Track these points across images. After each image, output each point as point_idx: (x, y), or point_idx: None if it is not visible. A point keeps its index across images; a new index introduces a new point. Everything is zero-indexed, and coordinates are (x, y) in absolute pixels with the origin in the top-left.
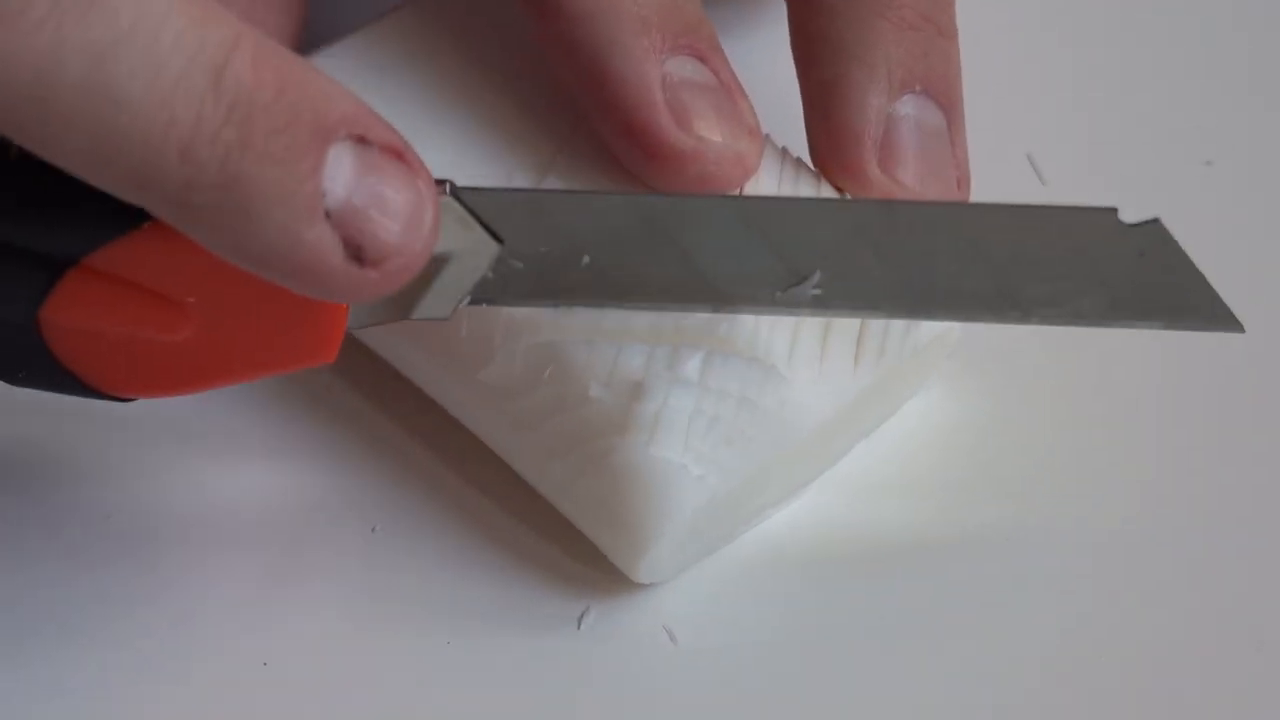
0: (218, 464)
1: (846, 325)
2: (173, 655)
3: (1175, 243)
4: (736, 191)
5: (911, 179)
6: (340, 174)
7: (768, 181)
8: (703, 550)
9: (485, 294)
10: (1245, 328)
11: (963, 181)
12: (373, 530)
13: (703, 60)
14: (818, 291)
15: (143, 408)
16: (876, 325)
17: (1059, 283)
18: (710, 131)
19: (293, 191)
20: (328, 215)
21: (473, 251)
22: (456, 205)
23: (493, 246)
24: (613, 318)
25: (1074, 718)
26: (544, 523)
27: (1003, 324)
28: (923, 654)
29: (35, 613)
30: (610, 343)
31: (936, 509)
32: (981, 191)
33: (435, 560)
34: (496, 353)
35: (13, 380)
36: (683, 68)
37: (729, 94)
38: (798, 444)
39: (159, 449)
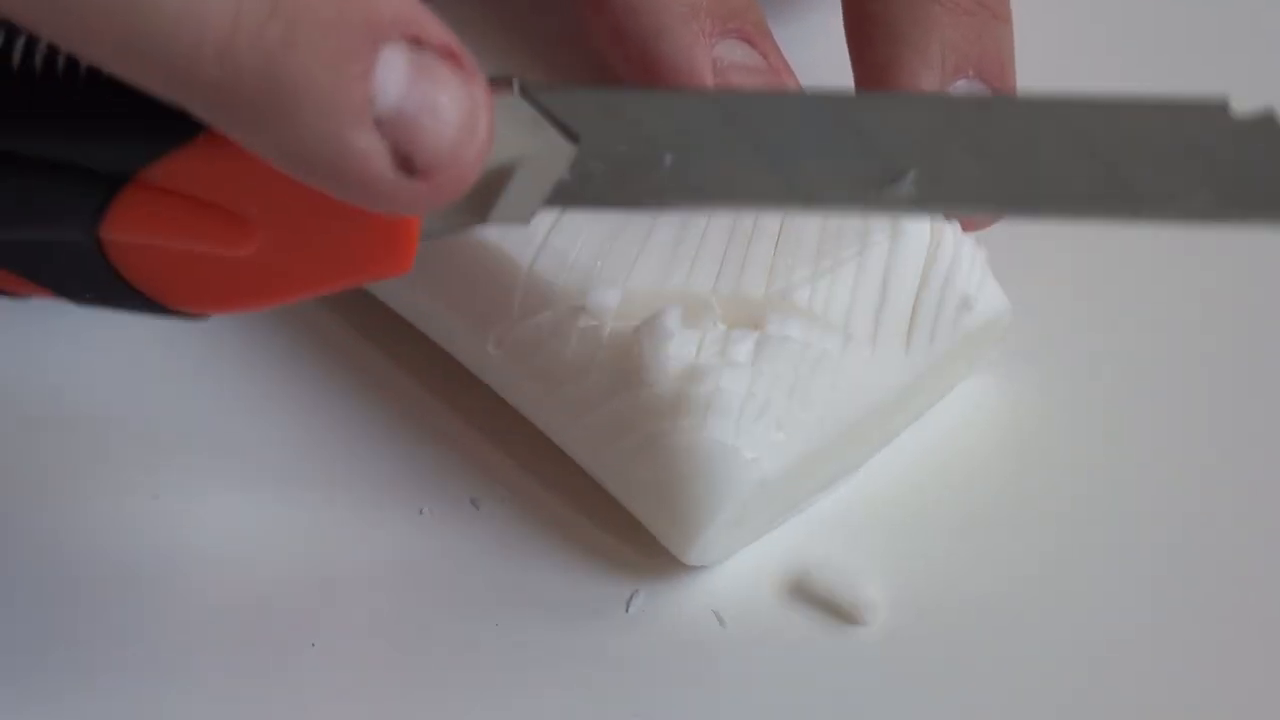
0: (263, 444)
1: (898, 309)
2: (218, 635)
3: None
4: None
5: None
6: (392, 78)
7: None
8: (753, 533)
9: (564, 198)
10: None
11: None
12: (420, 512)
13: (751, 44)
14: (913, 190)
15: (188, 386)
16: (928, 310)
17: (1170, 176)
18: None
19: (341, 97)
20: (377, 122)
21: (547, 153)
22: (526, 105)
23: (568, 147)
24: (669, 297)
25: (1139, 693)
26: (593, 506)
27: (1110, 222)
28: (973, 635)
29: (87, 589)
30: (663, 326)
31: (987, 491)
32: None
33: (482, 541)
34: (549, 335)
35: (80, 300)
36: (732, 51)
37: (778, 77)
38: (849, 427)
39: (201, 426)
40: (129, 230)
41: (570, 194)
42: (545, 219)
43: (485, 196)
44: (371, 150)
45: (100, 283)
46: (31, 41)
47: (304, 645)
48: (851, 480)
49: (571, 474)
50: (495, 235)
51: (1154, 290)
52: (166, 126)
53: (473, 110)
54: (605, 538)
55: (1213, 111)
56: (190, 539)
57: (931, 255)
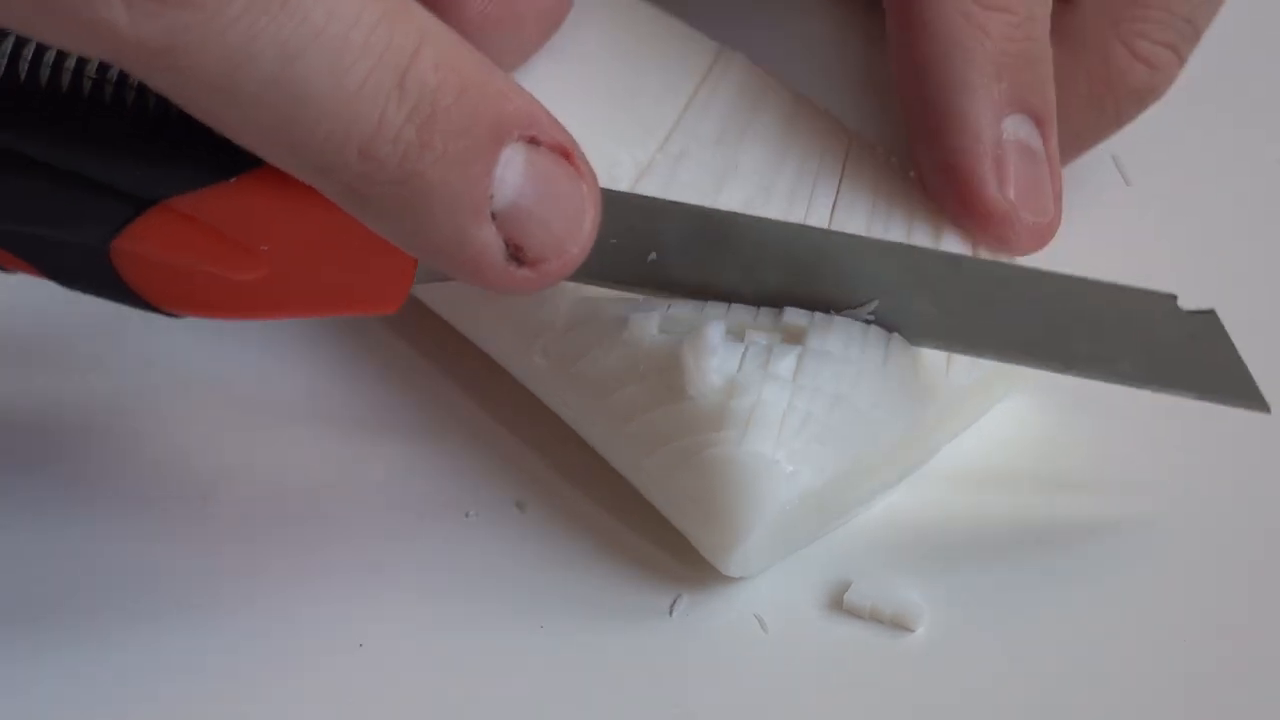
0: (315, 448)
1: None
2: (269, 637)
3: (1225, 333)
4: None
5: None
6: (510, 176)
7: (863, 185)
8: (792, 546)
9: None
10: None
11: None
12: (466, 516)
13: (1039, 125)
14: (871, 317)
15: (244, 394)
16: None
17: (1106, 346)
18: (1024, 201)
19: (464, 192)
20: (494, 216)
21: None
22: None
23: None
24: (712, 312)
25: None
26: (636, 514)
27: (1045, 370)
28: (1015, 644)
29: (137, 593)
30: (706, 339)
31: (1026, 506)
32: (1068, 192)
33: (527, 544)
34: (593, 346)
35: (69, 285)
36: (1019, 129)
37: (1051, 167)
38: (889, 443)
39: (258, 431)
40: (144, 245)
41: None
42: None
43: None
44: (487, 242)
45: (97, 278)
46: (82, 63)
47: (352, 646)
48: (891, 494)
49: (615, 482)
50: None
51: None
52: (205, 163)
53: (581, 207)
54: (648, 546)
55: (1161, 302)
56: (240, 544)
57: None
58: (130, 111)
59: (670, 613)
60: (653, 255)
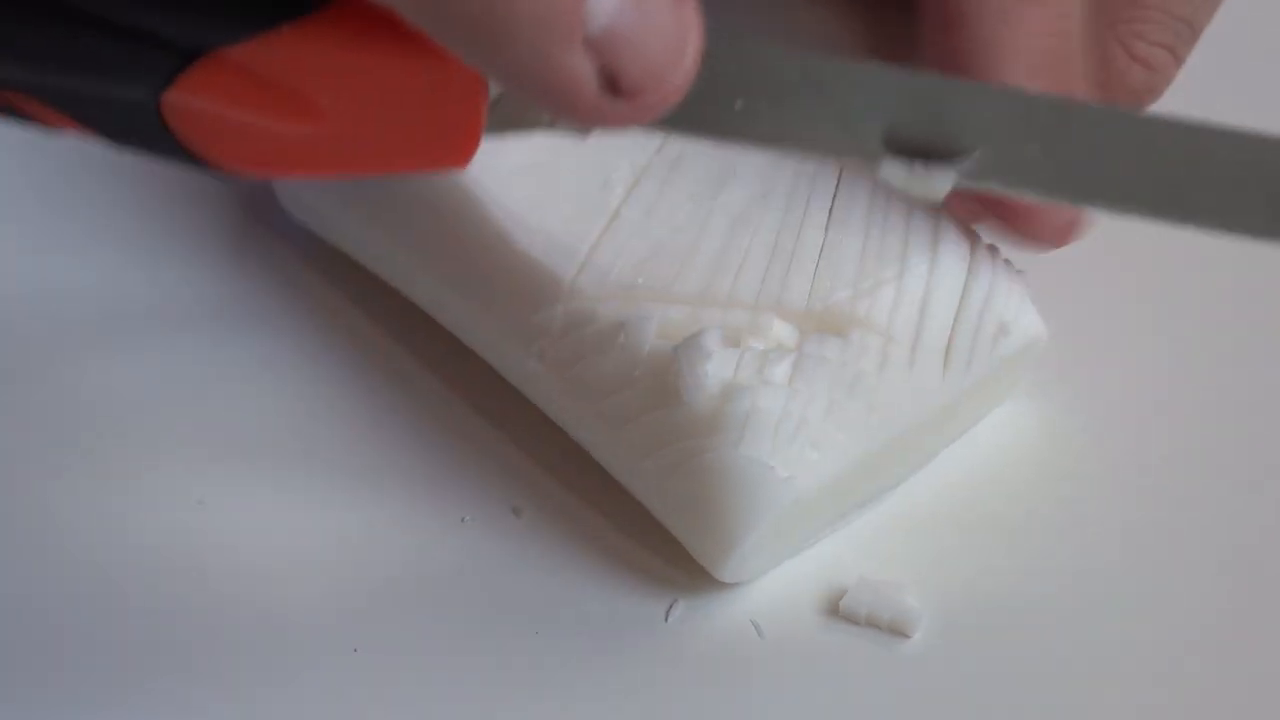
0: (311, 451)
1: (936, 333)
2: (262, 640)
3: None
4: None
5: None
6: (605, 0)
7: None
8: (788, 551)
9: None
10: None
11: None
12: (463, 520)
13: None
14: (974, 166)
15: (240, 397)
16: (966, 333)
17: (1224, 196)
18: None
19: (554, 16)
20: (587, 42)
21: None
22: None
23: None
24: (707, 318)
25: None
26: (631, 519)
27: (1159, 221)
28: (1012, 649)
29: (125, 599)
30: (702, 345)
31: (1022, 512)
32: None
33: (523, 549)
34: (590, 351)
35: (121, 144)
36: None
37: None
38: (884, 449)
39: (252, 432)
40: (195, 98)
41: None
42: (587, 237)
43: None
44: (580, 70)
45: (148, 136)
46: None
47: (347, 650)
48: (888, 499)
49: (611, 487)
50: (540, 251)
51: (1189, 316)
52: (256, 10)
53: (681, 34)
54: (644, 550)
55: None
56: (235, 547)
57: (970, 280)
58: None
59: (666, 618)
60: (740, 103)
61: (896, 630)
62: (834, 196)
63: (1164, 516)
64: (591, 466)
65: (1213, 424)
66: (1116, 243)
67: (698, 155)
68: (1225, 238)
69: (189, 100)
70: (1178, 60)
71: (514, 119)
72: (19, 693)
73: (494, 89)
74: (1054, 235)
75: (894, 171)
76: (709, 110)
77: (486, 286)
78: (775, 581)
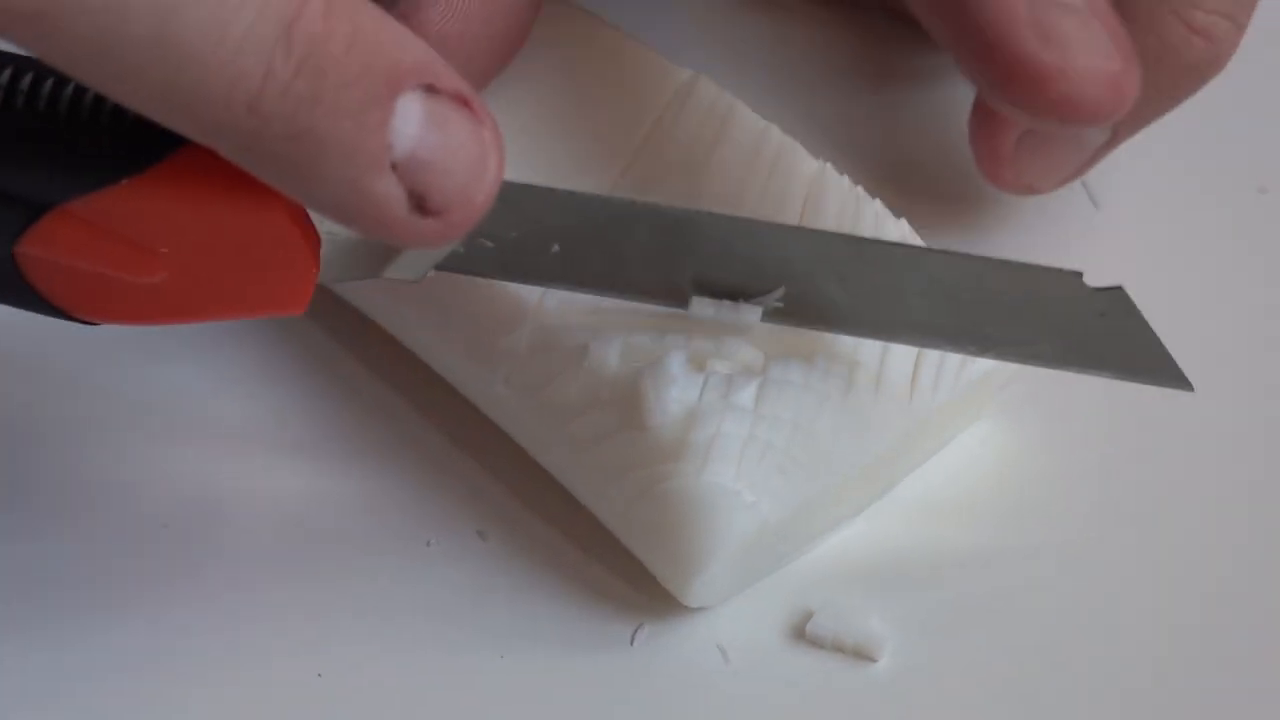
0: (275, 475)
1: (903, 358)
2: (226, 668)
3: (1136, 308)
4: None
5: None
6: (408, 126)
7: (826, 211)
8: (754, 575)
9: (454, 265)
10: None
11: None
12: (428, 544)
13: None
14: (779, 305)
15: (206, 420)
16: (931, 359)
17: (1019, 328)
18: (1084, 52)
19: (360, 144)
20: (393, 166)
21: None
22: None
23: None
24: (672, 342)
25: None
26: (598, 542)
27: (959, 353)
28: (977, 673)
29: (91, 625)
30: (666, 369)
31: (988, 536)
32: (1034, 213)
33: (488, 573)
34: (555, 375)
35: None
36: None
37: (1102, 18)
38: (850, 473)
39: (218, 460)
40: (46, 249)
41: (460, 262)
42: None
43: (384, 253)
44: (388, 193)
45: (6, 284)
46: None
47: (310, 675)
48: (854, 523)
49: (577, 512)
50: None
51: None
52: (98, 164)
53: (482, 154)
54: (610, 574)
55: (1068, 280)
56: (199, 571)
57: None
58: (20, 113)
59: (632, 642)
60: (556, 247)
61: (862, 654)
62: (800, 217)
63: (1131, 539)
64: (557, 490)
65: (1181, 447)
66: (1083, 264)
67: (664, 178)
68: (1021, 364)
69: (40, 251)
70: (1239, 27)
71: (347, 267)
72: None
73: (326, 240)
74: (1100, 91)
75: (702, 309)
76: (529, 255)
77: (452, 310)
78: (741, 605)
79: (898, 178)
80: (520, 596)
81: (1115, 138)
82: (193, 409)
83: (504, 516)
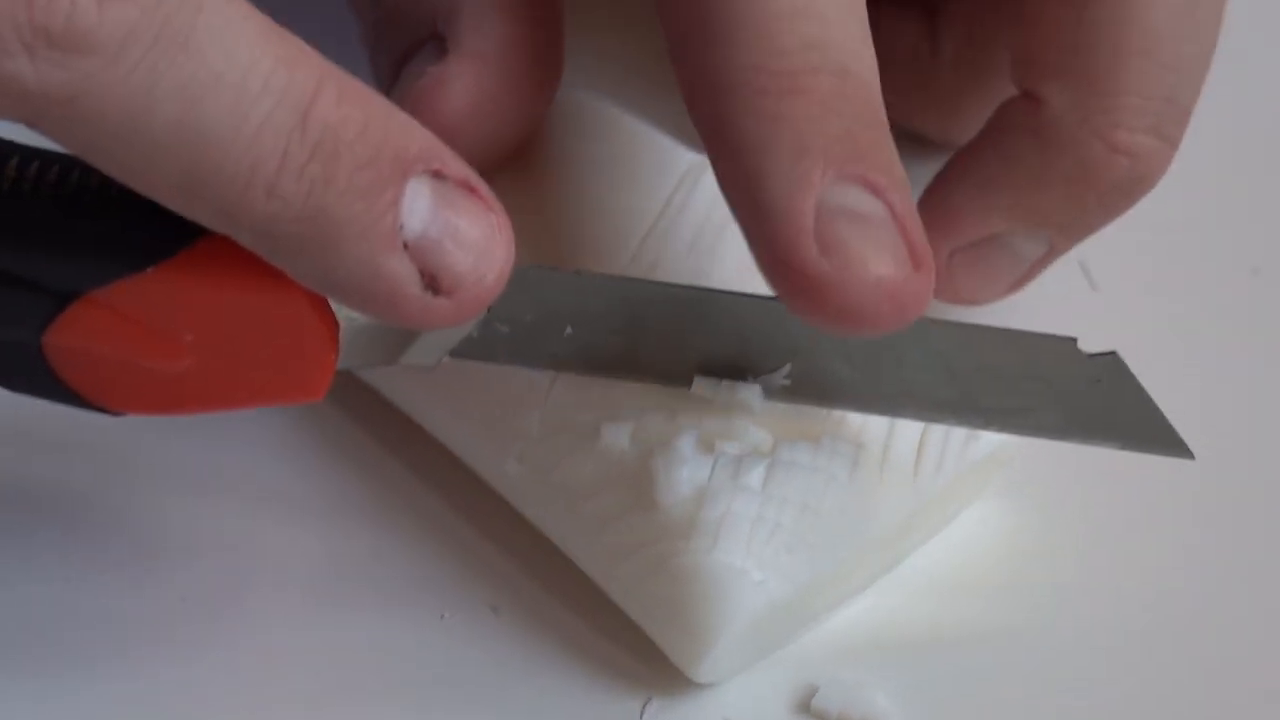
0: (289, 545)
1: (907, 438)
2: None
3: (1131, 374)
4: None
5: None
6: (418, 207)
7: None
8: (761, 651)
9: (470, 351)
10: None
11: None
12: (442, 618)
13: (874, 190)
14: (787, 382)
15: (214, 493)
16: (936, 438)
17: (1019, 398)
18: (863, 263)
19: (373, 225)
20: (405, 246)
21: None
22: None
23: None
24: (683, 423)
25: None
26: (608, 621)
27: (963, 426)
28: None
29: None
30: (677, 450)
31: (994, 611)
32: (1033, 294)
33: (501, 649)
34: (567, 455)
35: (10, 387)
36: (844, 196)
37: (900, 226)
38: (857, 551)
39: (234, 536)
40: (73, 339)
41: (476, 348)
42: None
43: (400, 340)
44: (401, 272)
45: (33, 376)
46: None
47: None
48: (860, 598)
49: (587, 587)
50: None
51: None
52: (122, 253)
53: (490, 235)
54: (619, 649)
55: (1062, 346)
56: (215, 644)
57: None
58: (46, 203)
59: (640, 717)
60: (569, 330)
61: None
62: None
63: (1136, 616)
64: (569, 566)
65: (1186, 523)
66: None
67: (673, 260)
68: (1024, 438)
69: (67, 341)
70: (1168, 141)
71: (365, 354)
72: None
73: (344, 327)
74: (875, 303)
75: (705, 388)
76: (541, 339)
77: (466, 390)
78: (748, 681)
79: None
80: (532, 670)
81: (1053, 250)
82: (206, 475)
83: (517, 591)
